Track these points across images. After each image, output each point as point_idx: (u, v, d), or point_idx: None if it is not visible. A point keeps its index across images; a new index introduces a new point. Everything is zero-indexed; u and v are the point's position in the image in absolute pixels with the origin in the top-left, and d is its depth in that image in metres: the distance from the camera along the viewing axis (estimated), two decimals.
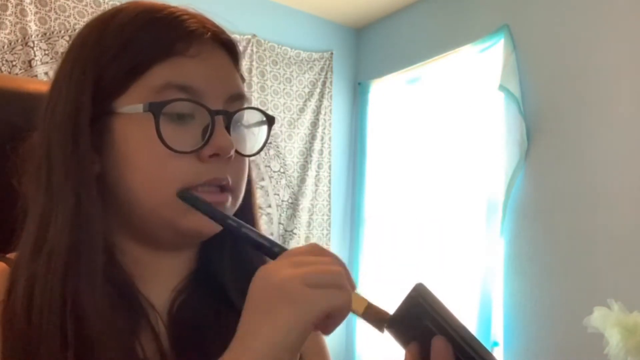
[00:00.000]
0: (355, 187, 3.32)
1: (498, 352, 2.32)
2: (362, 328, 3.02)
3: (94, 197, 0.48)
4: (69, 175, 0.48)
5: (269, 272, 0.42)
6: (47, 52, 2.32)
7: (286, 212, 3.06)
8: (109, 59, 0.49)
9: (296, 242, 3.04)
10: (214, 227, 0.51)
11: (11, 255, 0.50)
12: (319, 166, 3.19)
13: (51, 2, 2.34)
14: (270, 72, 3.02)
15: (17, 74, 2.23)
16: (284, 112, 3.06)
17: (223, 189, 0.51)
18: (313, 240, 3.12)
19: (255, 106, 0.57)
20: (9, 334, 0.44)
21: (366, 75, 3.32)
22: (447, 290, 2.51)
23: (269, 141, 0.56)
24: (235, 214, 0.53)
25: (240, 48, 1.09)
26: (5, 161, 0.54)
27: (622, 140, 2.00)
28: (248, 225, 0.48)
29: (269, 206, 2.99)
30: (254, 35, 2.92)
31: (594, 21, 2.13)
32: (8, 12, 2.22)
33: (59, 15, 2.36)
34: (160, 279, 0.55)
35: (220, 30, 0.54)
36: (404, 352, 0.45)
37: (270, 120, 0.56)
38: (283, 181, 3.05)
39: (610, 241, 1.99)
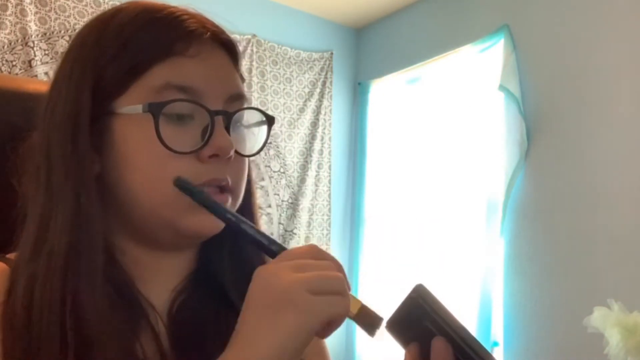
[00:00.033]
0: (355, 187, 3.31)
1: (498, 352, 2.32)
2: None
3: (94, 197, 0.48)
4: (69, 175, 0.48)
5: (269, 273, 0.42)
6: (47, 52, 2.32)
7: (286, 212, 3.06)
8: (108, 59, 0.49)
9: (296, 242, 3.04)
10: (214, 227, 0.51)
11: (11, 256, 0.50)
12: (319, 166, 3.19)
13: (51, 2, 2.34)
14: (270, 72, 3.02)
15: (17, 74, 2.23)
16: (284, 112, 3.06)
17: (223, 189, 0.51)
18: (313, 240, 3.12)
19: (255, 106, 0.57)
20: (9, 334, 0.44)
21: (366, 75, 3.32)
22: (447, 291, 2.51)
23: (268, 141, 0.56)
24: None
25: (240, 48, 1.09)
26: (5, 161, 0.54)
27: (622, 140, 2.00)
28: (247, 220, 0.47)
29: (269, 206, 2.98)
30: (254, 35, 2.92)
31: (594, 21, 2.13)
32: (8, 12, 2.22)
33: (59, 15, 2.36)
34: (160, 279, 0.55)
35: (220, 30, 0.54)
36: (404, 353, 0.46)
37: (270, 121, 0.56)
38: (283, 181, 3.05)
39: (610, 241, 1.99)
